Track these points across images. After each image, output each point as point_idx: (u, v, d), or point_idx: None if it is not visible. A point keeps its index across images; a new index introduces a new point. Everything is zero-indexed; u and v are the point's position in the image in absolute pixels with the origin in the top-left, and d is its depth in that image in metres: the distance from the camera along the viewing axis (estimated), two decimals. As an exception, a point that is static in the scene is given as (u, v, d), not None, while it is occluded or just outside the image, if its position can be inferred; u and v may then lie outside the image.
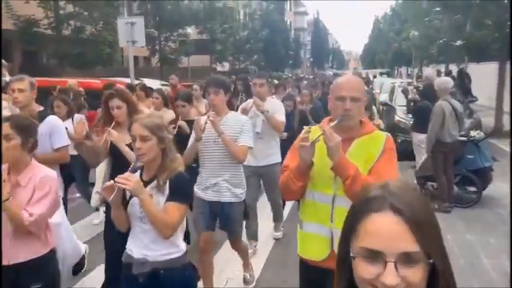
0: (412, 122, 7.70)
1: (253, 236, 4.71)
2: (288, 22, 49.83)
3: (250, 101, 4.56)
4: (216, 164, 3.39)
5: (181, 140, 3.50)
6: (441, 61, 22.67)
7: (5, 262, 2.30)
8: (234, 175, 3.46)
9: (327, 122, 2.30)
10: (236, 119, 3.47)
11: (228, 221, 3.50)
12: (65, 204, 5.07)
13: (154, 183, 2.26)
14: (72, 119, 5.07)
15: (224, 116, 3.42)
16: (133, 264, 2.30)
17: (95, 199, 4.34)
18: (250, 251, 4.59)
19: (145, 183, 2.26)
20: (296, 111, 5.76)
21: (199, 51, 23.35)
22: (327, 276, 2.01)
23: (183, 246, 2.38)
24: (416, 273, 0.83)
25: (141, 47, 11.86)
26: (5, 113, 5.98)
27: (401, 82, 14.04)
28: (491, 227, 5.29)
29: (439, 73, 14.97)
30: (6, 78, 7.51)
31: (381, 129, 3.66)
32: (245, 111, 4.33)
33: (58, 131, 3.55)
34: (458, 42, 12.69)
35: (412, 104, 8.47)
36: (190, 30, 22.19)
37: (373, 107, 7.06)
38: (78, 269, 3.57)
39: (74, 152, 4.79)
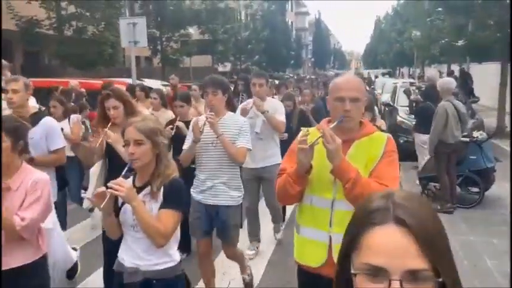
0: (414, 123, 7.69)
1: (255, 237, 4.71)
2: (290, 22, 49.84)
3: (249, 101, 4.47)
4: (214, 166, 3.32)
5: (179, 140, 3.49)
6: (443, 61, 22.63)
7: None
8: (232, 177, 3.38)
9: (325, 123, 2.23)
10: (234, 120, 3.41)
11: (223, 225, 3.38)
12: (64, 207, 5.08)
13: (148, 189, 2.18)
14: (69, 119, 5.02)
15: (222, 116, 3.35)
16: (124, 273, 2.22)
17: (87, 202, 4.30)
18: (252, 252, 4.61)
19: (138, 190, 2.18)
20: (296, 111, 5.69)
21: (201, 51, 23.36)
22: (324, 283, 2.02)
23: (177, 256, 2.29)
24: None
25: (143, 47, 11.86)
26: (6, 113, 5.98)
27: (404, 82, 14.03)
28: (494, 227, 5.28)
29: (440, 73, 14.96)
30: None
31: (382, 130, 3.56)
32: (245, 111, 4.27)
33: (54, 132, 3.49)
34: (460, 43, 12.67)
35: (414, 104, 8.46)
36: (192, 31, 22.19)
37: (375, 108, 7.05)
38: (72, 274, 3.49)
39: (70, 154, 4.77)
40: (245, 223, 4.93)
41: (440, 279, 0.78)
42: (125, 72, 15.88)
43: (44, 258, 2.44)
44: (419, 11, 21.41)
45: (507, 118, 11.83)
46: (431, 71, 11.80)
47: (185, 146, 3.38)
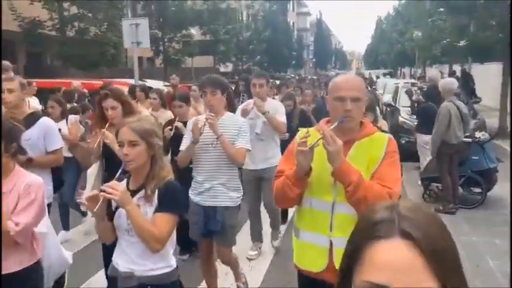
0: (416, 123, 7.70)
1: (257, 237, 4.71)
2: (291, 23, 49.84)
3: (250, 102, 4.41)
4: (212, 167, 3.26)
5: (178, 141, 3.43)
6: (444, 62, 22.61)
7: None
8: (231, 178, 3.33)
9: (324, 123, 2.16)
10: (233, 121, 3.36)
11: (221, 225, 3.28)
12: (66, 209, 5.07)
13: (142, 192, 2.11)
14: (67, 120, 4.97)
15: (220, 117, 3.28)
16: (118, 278, 2.17)
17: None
18: (255, 252, 4.62)
19: (133, 193, 2.11)
20: (296, 110, 5.64)
21: (203, 52, 23.41)
22: None
23: (173, 261, 2.22)
24: None
25: (145, 48, 11.90)
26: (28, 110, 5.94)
27: (405, 83, 14.03)
28: (496, 228, 5.28)
29: (441, 74, 14.96)
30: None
31: (384, 131, 3.61)
32: (245, 112, 4.22)
33: (52, 133, 3.43)
34: (462, 43, 12.66)
35: (416, 105, 8.47)
36: (194, 31, 22.22)
37: (377, 108, 7.05)
38: (59, 286, 3.32)
39: (68, 154, 4.70)
40: (247, 224, 4.98)
41: None
42: (127, 72, 15.93)
43: (38, 263, 2.38)
44: (420, 11, 21.41)
45: (509, 118, 11.82)
46: (432, 72, 11.79)
47: (182, 147, 3.32)
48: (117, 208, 2.11)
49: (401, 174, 2.88)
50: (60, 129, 4.68)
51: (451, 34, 13.70)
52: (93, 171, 3.59)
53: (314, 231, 2.10)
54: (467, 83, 14.82)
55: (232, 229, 3.43)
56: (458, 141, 5.79)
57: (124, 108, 3.22)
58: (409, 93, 9.89)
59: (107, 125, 3.18)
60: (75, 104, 6.58)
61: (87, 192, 2.78)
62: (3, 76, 3.57)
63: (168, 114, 5.28)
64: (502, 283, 3.97)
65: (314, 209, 2.09)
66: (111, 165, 3.09)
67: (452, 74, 17.47)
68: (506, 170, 6.52)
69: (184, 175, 3.41)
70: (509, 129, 11.29)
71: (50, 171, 3.45)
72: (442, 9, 14.87)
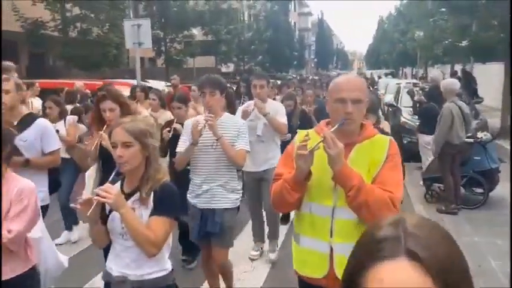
0: (418, 124, 7.70)
1: (259, 237, 4.71)
2: (293, 23, 49.82)
3: (250, 103, 4.35)
4: (211, 169, 3.22)
5: (177, 143, 3.38)
6: (446, 62, 22.59)
7: None
8: (229, 180, 3.28)
9: (324, 125, 2.11)
10: (232, 122, 3.32)
11: (219, 227, 3.23)
12: (68, 211, 5.04)
13: (137, 195, 2.05)
14: (65, 120, 4.92)
15: (219, 118, 3.23)
16: (112, 283, 2.11)
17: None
18: (257, 252, 4.62)
19: (127, 196, 2.05)
20: (297, 110, 5.61)
21: (205, 52, 23.43)
22: None
23: (168, 265, 2.16)
24: None
25: (147, 48, 11.92)
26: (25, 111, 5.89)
27: (407, 83, 14.03)
28: (498, 228, 5.28)
29: (443, 74, 14.95)
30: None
31: (385, 133, 3.46)
32: (246, 114, 4.17)
33: (49, 134, 3.37)
34: (464, 43, 12.65)
35: (418, 105, 8.47)
36: (196, 32, 22.28)
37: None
38: None
39: (65, 155, 4.68)
40: (248, 225, 4.98)
41: None
42: (127, 73, 15.97)
43: (33, 269, 2.32)
44: (422, 11, 21.40)
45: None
46: (434, 72, 11.81)
47: (179, 149, 3.26)
48: (110, 211, 2.04)
49: (404, 176, 2.85)
50: (58, 130, 4.60)
51: (452, 34, 13.69)
52: (91, 174, 3.55)
53: (314, 237, 2.04)
54: (469, 83, 14.80)
55: (231, 231, 3.39)
56: (460, 141, 5.79)
57: (122, 109, 3.16)
58: (411, 93, 9.90)
59: (105, 127, 3.13)
60: (78, 105, 6.59)
61: (85, 195, 2.77)
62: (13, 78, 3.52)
63: (167, 115, 5.24)
64: (504, 283, 3.97)
65: (314, 214, 2.03)
66: (108, 167, 3.01)
67: (454, 74, 17.45)
68: (508, 170, 6.51)
69: (182, 177, 3.38)
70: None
71: (46, 172, 3.41)
72: (443, 9, 14.85)
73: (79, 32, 14.41)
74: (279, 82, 12.65)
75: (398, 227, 0.72)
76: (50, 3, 13.77)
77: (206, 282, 3.76)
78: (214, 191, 3.23)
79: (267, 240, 4.77)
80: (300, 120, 5.47)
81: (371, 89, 17.36)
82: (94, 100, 3.36)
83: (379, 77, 29.59)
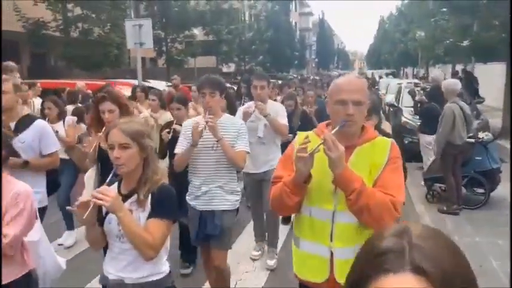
0: (419, 124, 7.70)
1: (261, 237, 4.71)
2: (293, 23, 49.84)
3: (251, 104, 4.31)
4: (211, 170, 3.19)
5: (176, 144, 3.33)
6: (447, 61, 22.59)
7: None
8: (229, 181, 3.26)
9: (324, 127, 2.07)
10: (232, 123, 3.29)
11: (218, 229, 3.21)
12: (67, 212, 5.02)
13: (135, 197, 2.02)
14: (64, 121, 4.89)
15: (218, 119, 3.20)
16: (108, 286, 2.08)
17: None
18: (258, 252, 4.63)
19: (124, 198, 2.01)
20: (297, 111, 5.58)
21: (206, 52, 23.45)
22: None
23: (166, 267, 2.14)
24: None
25: (148, 48, 11.94)
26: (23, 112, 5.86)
27: (408, 83, 14.02)
28: (499, 228, 5.28)
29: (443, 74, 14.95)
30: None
31: (387, 133, 3.46)
32: (247, 115, 4.14)
33: (47, 136, 3.33)
34: (465, 43, 12.64)
35: (419, 105, 8.47)
36: (197, 32, 22.30)
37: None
38: None
39: (64, 156, 4.66)
40: (250, 224, 4.99)
41: None
42: (128, 73, 15.99)
43: (30, 274, 2.28)
44: (423, 11, 21.39)
45: (512, 119, 11.79)
46: (435, 72, 11.80)
47: (178, 150, 3.24)
48: (107, 213, 2.01)
49: (406, 178, 2.83)
50: (57, 131, 4.57)
51: (454, 34, 13.68)
52: (91, 175, 3.52)
53: (314, 241, 2.01)
54: (470, 83, 14.80)
55: (230, 233, 3.37)
56: (462, 141, 5.79)
57: (121, 111, 3.12)
58: (412, 93, 9.90)
59: (104, 128, 3.07)
60: (79, 105, 6.61)
61: (83, 197, 2.74)
62: (16, 79, 3.48)
63: (167, 116, 5.18)
64: (506, 283, 3.98)
65: (314, 217, 2.00)
66: (107, 169, 2.95)
67: (455, 74, 17.45)
68: (509, 171, 6.52)
69: (181, 179, 3.37)
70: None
71: (44, 173, 3.37)
72: (445, 9, 14.83)
73: (80, 32, 14.43)
74: (280, 82, 12.65)
75: (402, 237, 0.69)
76: (51, 4, 13.79)
77: (207, 282, 3.76)
78: (213, 193, 3.21)
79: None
80: (300, 121, 5.45)
81: (372, 89, 17.37)
82: (93, 101, 3.34)
83: (380, 77, 29.57)
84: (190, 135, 3.13)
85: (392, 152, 1.97)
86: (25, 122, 3.22)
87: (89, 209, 1.87)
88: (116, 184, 2.11)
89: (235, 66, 31.18)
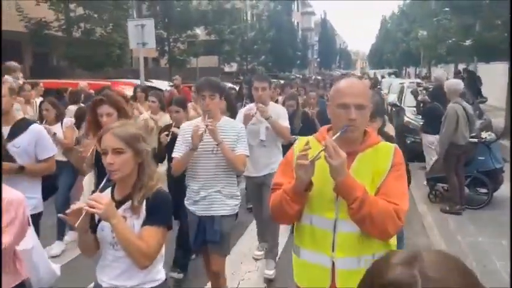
0: (421, 123, 7.69)
1: (263, 237, 4.69)
2: (295, 22, 49.83)
3: (252, 106, 4.21)
4: (210, 175, 3.15)
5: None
6: (450, 61, 22.54)
7: None
8: (227, 185, 3.21)
9: (325, 132, 2.01)
10: (231, 126, 3.24)
11: (217, 234, 3.15)
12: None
13: (129, 203, 1.94)
14: (62, 123, 4.82)
15: (217, 122, 3.14)
16: None
17: None
18: (261, 252, 4.61)
19: (118, 204, 1.94)
20: (299, 112, 5.49)
21: (208, 52, 23.48)
22: None
23: (161, 274, 2.07)
24: None
25: (151, 48, 11.96)
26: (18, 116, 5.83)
27: (411, 82, 13.99)
28: (502, 228, 5.26)
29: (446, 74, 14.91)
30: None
31: (390, 136, 3.37)
32: (248, 118, 4.06)
33: (43, 140, 3.23)
34: (468, 42, 12.62)
35: (421, 105, 8.46)
36: (199, 31, 22.31)
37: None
38: None
39: (63, 158, 4.62)
40: (252, 224, 4.99)
41: None
42: (130, 73, 16.02)
43: (23, 284, 2.20)
44: (425, 11, 21.37)
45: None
46: (438, 72, 11.77)
47: (176, 154, 3.18)
48: (100, 220, 1.94)
49: (410, 181, 2.76)
50: (55, 133, 4.60)
51: (456, 33, 13.66)
52: (89, 180, 3.45)
53: (315, 250, 1.94)
54: (473, 83, 14.76)
55: (228, 236, 3.31)
56: (465, 141, 5.79)
57: (120, 115, 3.05)
58: (414, 93, 9.88)
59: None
60: (82, 105, 6.62)
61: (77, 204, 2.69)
62: (20, 79, 3.40)
63: (167, 118, 5.08)
64: (508, 283, 3.97)
65: (315, 226, 1.93)
66: (104, 174, 2.93)
67: (457, 73, 17.41)
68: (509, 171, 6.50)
69: (182, 182, 3.33)
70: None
71: (40, 178, 3.28)
72: (447, 9, 14.81)
73: (83, 32, 14.47)
74: (282, 82, 12.65)
75: (413, 267, 0.62)
76: (53, 3, 13.84)
77: (209, 283, 3.75)
78: (212, 197, 3.17)
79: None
80: (302, 122, 5.35)
81: (374, 88, 17.35)
82: (91, 104, 3.21)
83: (383, 77, 29.48)
84: (188, 138, 3.08)
85: (395, 158, 1.91)
86: (21, 126, 3.13)
87: (81, 217, 1.80)
88: (109, 189, 2.04)
89: (237, 66, 31.20)
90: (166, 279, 2.11)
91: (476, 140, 6.05)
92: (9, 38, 12.84)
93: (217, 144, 3.06)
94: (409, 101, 10.31)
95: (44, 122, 4.72)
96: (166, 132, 3.99)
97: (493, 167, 6.00)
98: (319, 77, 26.37)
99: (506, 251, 4.65)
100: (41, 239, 2.68)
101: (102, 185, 1.97)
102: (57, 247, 4.76)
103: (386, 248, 1.89)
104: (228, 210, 3.21)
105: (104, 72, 14.59)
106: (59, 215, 1.93)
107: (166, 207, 2.01)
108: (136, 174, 1.97)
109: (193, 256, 4.46)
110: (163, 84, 11.29)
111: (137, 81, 10.04)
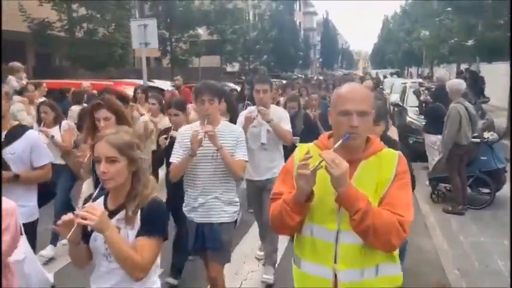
0: (424, 123, 7.69)
1: (266, 238, 4.71)
2: (298, 22, 49.83)
3: (253, 109, 4.11)
4: (208, 180, 3.09)
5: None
6: (452, 61, 22.51)
7: None
8: (226, 191, 3.15)
9: (326, 140, 1.94)
10: (231, 130, 3.18)
11: (218, 241, 3.11)
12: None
13: (123, 213, 1.88)
14: (60, 125, 4.78)
15: (216, 126, 3.09)
16: None
17: None
18: (262, 252, 4.61)
19: (111, 214, 1.87)
20: (300, 113, 5.43)
21: (210, 51, 23.48)
22: None
23: (157, 285, 2.02)
24: None
25: (153, 48, 11.98)
26: (20, 116, 5.79)
27: (413, 82, 13.98)
28: (505, 228, 5.25)
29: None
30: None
31: (393, 140, 3.28)
32: (249, 121, 3.98)
33: (39, 148, 3.15)
34: (470, 42, 12.61)
35: (424, 105, 8.46)
36: (201, 31, 22.32)
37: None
38: None
39: (61, 162, 4.58)
40: (255, 224, 4.99)
41: None
42: (132, 73, 16.04)
43: None
44: (428, 11, 21.33)
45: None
46: (440, 72, 11.75)
47: (174, 159, 3.11)
48: (93, 230, 1.86)
49: (415, 187, 2.60)
50: (53, 136, 4.58)
51: (458, 33, 13.66)
52: (89, 185, 3.38)
53: (316, 262, 1.87)
54: (475, 83, 14.74)
55: (228, 244, 3.24)
56: (468, 142, 5.79)
57: (118, 119, 2.98)
58: (417, 93, 9.87)
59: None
60: (85, 105, 6.64)
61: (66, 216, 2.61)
62: (23, 79, 3.34)
63: (167, 121, 4.99)
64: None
65: (316, 238, 1.86)
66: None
67: (459, 73, 17.39)
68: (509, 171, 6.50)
69: (180, 187, 3.28)
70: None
71: (36, 185, 3.21)
72: (449, 9, 14.80)
73: (85, 32, 14.51)
74: (284, 82, 12.63)
75: None
76: (56, 4, 13.87)
77: (208, 286, 3.75)
78: (210, 204, 3.11)
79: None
80: (304, 124, 5.30)
81: (377, 88, 17.30)
82: (88, 108, 3.16)
83: (385, 77, 29.48)
84: (187, 143, 3.02)
85: (399, 166, 1.83)
86: (16, 132, 3.04)
87: (73, 229, 1.74)
88: (102, 198, 1.97)
89: (240, 66, 31.22)
90: None
91: (478, 140, 6.05)
92: (12, 38, 12.91)
93: (217, 150, 3.01)
94: (411, 101, 10.31)
95: (42, 125, 4.71)
96: (165, 136, 3.92)
97: (495, 167, 6.00)
98: (321, 77, 26.33)
99: (508, 251, 4.65)
100: (38, 243, 2.56)
101: (95, 194, 1.92)
102: (49, 250, 4.67)
103: (390, 259, 1.86)
104: (226, 218, 3.15)
105: (106, 72, 14.62)
106: (51, 226, 1.89)
107: (162, 217, 1.95)
108: (130, 183, 1.91)
109: (176, 282, 4.14)
110: (166, 84, 11.29)
111: (140, 81, 10.07)
